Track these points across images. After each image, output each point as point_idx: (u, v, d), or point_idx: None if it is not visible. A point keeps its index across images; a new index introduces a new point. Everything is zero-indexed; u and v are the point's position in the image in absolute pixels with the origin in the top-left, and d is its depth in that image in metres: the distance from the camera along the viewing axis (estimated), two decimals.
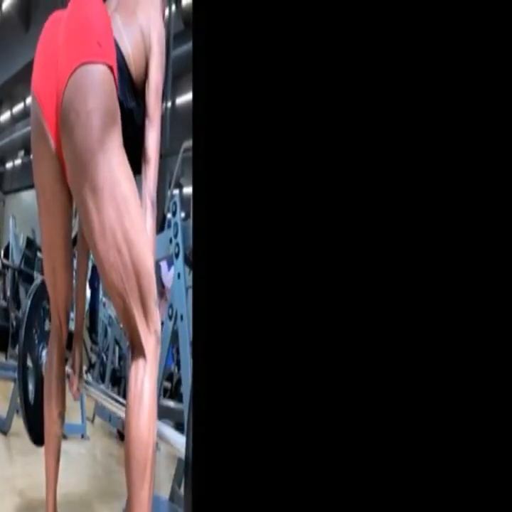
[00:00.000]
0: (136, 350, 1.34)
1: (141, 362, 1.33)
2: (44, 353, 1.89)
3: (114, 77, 1.30)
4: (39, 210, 1.50)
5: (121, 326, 1.54)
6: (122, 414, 1.46)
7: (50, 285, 1.59)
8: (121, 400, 1.57)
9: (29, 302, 1.96)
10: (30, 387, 1.96)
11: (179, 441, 1.40)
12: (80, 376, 1.70)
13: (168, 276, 3.19)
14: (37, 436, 1.92)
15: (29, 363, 1.97)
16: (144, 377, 1.31)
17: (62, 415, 1.66)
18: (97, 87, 1.27)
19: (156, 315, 1.37)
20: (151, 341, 1.34)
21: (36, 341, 1.97)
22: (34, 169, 1.46)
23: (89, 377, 4.49)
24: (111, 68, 1.30)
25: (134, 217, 1.31)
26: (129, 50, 1.44)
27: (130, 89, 1.44)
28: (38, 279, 2.16)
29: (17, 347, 1.95)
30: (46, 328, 1.98)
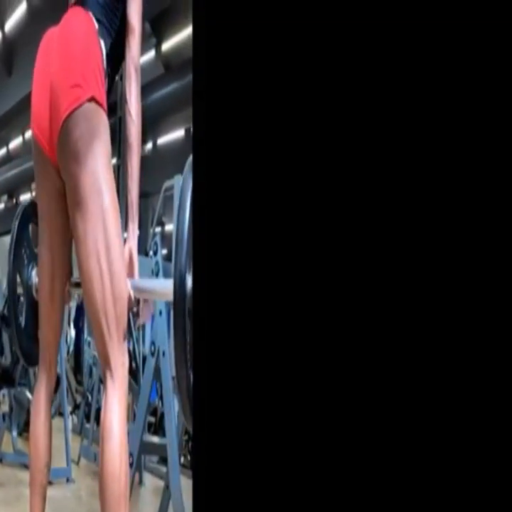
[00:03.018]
0: (107, 372, 1.35)
1: (110, 389, 1.33)
2: (34, 272, 1.87)
3: (100, 105, 1.35)
4: (39, 250, 1.56)
5: (95, 344, 1.55)
6: None
7: (44, 320, 1.59)
8: None
9: (17, 222, 1.96)
10: (21, 310, 1.90)
11: None
12: None
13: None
14: (31, 358, 1.87)
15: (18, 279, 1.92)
16: (113, 407, 1.31)
17: (48, 465, 1.59)
18: (85, 125, 1.33)
19: (125, 350, 1.39)
20: (120, 368, 1.35)
21: (26, 261, 1.93)
22: (39, 204, 1.52)
23: (74, 419, 4.42)
24: (94, 99, 1.34)
25: (112, 235, 1.35)
26: None
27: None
28: (24, 201, 2.16)
29: (7, 269, 1.90)
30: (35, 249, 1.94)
